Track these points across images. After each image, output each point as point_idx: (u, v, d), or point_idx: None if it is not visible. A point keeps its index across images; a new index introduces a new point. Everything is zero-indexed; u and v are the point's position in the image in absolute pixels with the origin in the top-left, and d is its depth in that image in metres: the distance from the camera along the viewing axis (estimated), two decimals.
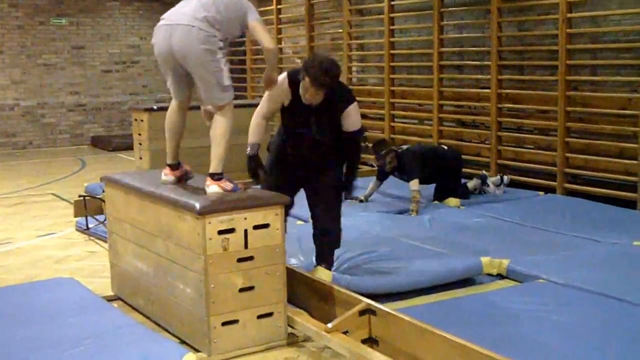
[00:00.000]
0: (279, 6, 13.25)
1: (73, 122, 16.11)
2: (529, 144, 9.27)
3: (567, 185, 8.54)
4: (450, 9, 10.07)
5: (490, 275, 5.78)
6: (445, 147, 8.69)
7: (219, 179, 4.73)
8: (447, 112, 10.26)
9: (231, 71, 4.89)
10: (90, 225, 7.60)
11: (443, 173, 8.09)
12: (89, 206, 7.76)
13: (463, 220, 7.30)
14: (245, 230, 4.36)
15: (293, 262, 5.61)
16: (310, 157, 5.33)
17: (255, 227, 4.40)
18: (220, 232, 4.30)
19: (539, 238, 6.64)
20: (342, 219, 5.51)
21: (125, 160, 13.19)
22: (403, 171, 7.89)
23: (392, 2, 10.78)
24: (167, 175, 5.04)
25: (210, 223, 4.26)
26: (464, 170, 8.50)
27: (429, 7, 10.22)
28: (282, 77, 5.18)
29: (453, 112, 10.27)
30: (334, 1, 12.18)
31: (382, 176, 8.16)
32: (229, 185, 4.71)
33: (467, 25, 9.99)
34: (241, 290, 4.37)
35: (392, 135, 10.72)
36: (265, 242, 4.43)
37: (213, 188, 4.70)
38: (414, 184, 7.71)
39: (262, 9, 13.77)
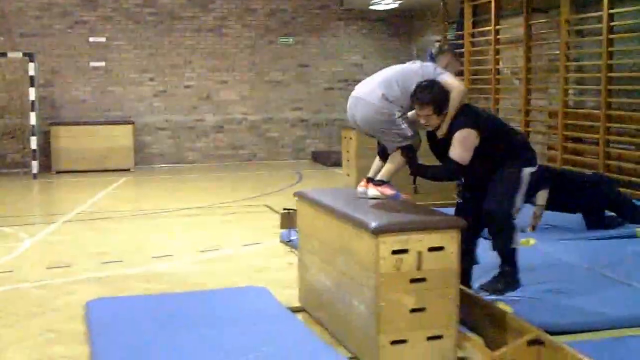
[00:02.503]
0: (497, 27, 13.10)
1: (295, 137, 16.81)
2: None
3: None
4: None
5: None
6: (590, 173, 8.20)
7: (381, 184, 5.01)
8: None
9: None
10: (292, 237, 7.92)
11: (571, 198, 7.71)
12: (293, 219, 8.09)
13: None
14: (420, 252, 4.41)
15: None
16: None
17: (430, 249, 4.43)
18: (394, 252, 4.37)
19: None
20: (540, 245, 5.26)
21: (338, 176, 13.54)
22: None
23: (612, 23, 10.35)
24: (361, 187, 5.36)
25: (384, 242, 4.35)
26: None
27: None
28: None
29: None
30: (553, 22, 11.90)
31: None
32: (388, 191, 5.04)
33: None
34: (412, 310, 4.41)
35: (607, 161, 10.29)
36: (439, 264, 4.45)
37: (372, 192, 5.14)
38: (539, 196, 7.46)
39: (480, 29, 13.74)
